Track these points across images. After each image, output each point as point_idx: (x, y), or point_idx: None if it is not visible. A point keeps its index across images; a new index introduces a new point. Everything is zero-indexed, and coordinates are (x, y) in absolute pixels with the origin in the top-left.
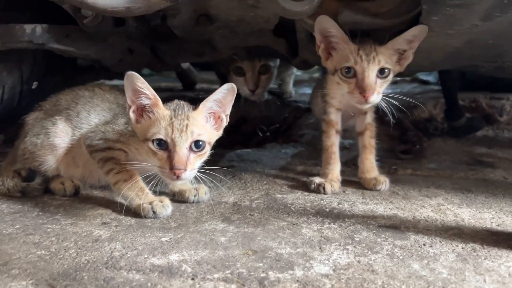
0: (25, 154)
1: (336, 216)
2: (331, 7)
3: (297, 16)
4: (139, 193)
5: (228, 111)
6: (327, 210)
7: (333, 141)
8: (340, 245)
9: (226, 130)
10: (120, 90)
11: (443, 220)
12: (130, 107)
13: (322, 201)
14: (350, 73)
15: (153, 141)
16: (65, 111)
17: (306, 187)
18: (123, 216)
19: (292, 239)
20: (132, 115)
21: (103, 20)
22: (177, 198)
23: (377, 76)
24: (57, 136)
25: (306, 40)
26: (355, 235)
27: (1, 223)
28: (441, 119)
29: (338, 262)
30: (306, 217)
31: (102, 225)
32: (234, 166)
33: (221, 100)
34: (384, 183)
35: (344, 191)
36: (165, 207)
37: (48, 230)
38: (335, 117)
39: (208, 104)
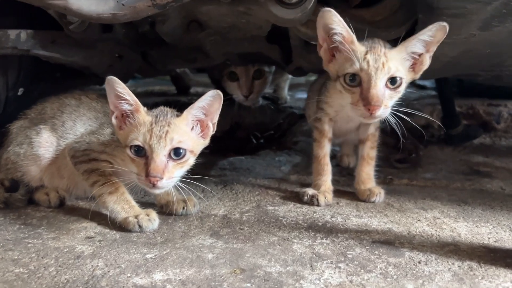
0: (7, 164)
1: (329, 230)
2: None
3: (289, 24)
4: (124, 206)
5: (215, 119)
6: (320, 224)
7: (326, 152)
8: (332, 263)
9: (219, 136)
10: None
11: (439, 235)
12: (112, 113)
13: (315, 214)
14: (354, 81)
15: (131, 147)
16: (50, 120)
17: (299, 199)
18: (108, 230)
19: (282, 256)
20: (114, 121)
21: (90, 26)
22: (165, 210)
23: (386, 86)
24: (41, 146)
25: (300, 47)
26: (348, 252)
27: None
28: (437, 126)
29: (330, 282)
30: (298, 232)
31: (85, 239)
32: (226, 175)
33: (206, 108)
34: (379, 194)
35: (337, 203)
36: (151, 220)
37: (29, 245)
38: (329, 126)
39: (193, 111)
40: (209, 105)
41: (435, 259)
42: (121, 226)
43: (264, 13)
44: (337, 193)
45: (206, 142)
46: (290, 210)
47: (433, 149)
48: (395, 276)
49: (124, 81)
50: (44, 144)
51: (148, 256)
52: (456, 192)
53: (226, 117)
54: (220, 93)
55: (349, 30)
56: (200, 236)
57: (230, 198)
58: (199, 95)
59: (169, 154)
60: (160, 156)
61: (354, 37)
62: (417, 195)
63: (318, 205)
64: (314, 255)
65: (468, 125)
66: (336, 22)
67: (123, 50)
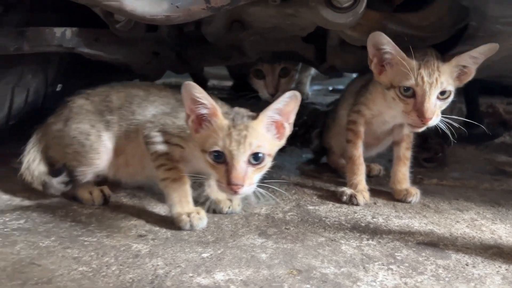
0: (68, 151)
1: (373, 231)
2: (373, 18)
3: (339, 28)
4: (182, 199)
5: (292, 119)
6: (363, 224)
7: (360, 152)
8: (383, 265)
9: None
10: (171, 88)
11: (480, 237)
12: (188, 116)
13: (355, 215)
14: (408, 92)
15: (210, 153)
16: (117, 110)
17: (336, 198)
18: (158, 228)
19: (333, 257)
20: (190, 124)
21: (136, 26)
22: (211, 206)
23: (438, 98)
24: (111, 140)
25: (338, 47)
26: (395, 253)
27: (35, 235)
28: (457, 124)
29: (385, 284)
30: (343, 232)
31: (138, 237)
32: None
33: (282, 109)
34: (415, 195)
35: (375, 203)
36: (202, 219)
37: (85, 243)
38: (363, 128)
39: (268, 113)
40: (285, 106)
41: (482, 261)
42: (173, 221)
43: (313, 16)
44: (371, 192)
45: (282, 143)
46: (330, 210)
47: (456, 148)
48: (446, 279)
49: (158, 77)
50: (111, 138)
51: (204, 255)
52: (487, 192)
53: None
54: (298, 93)
55: (398, 49)
56: (249, 235)
57: (269, 196)
58: (217, 89)
59: (248, 159)
60: (241, 163)
61: (403, 54)
62: (449, 195)
63: (357, 204)
64: (364, 257)
65: (490, 125)
66: (385, 43)
67: (160, 47)
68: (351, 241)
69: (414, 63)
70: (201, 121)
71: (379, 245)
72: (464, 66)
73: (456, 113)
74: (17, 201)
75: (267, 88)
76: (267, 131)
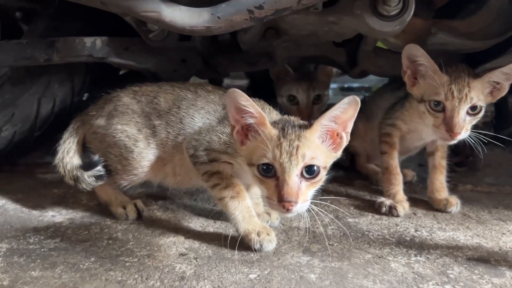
0: (112, 152)
1: (419, 246)
2: (418, 25)
3: (383, 36)
4: (245, 215)
5: (349, 128)
6: (407, 238)
7: (397, 162)
8: (438, 284)
9: None
10: (218, 90)
11: None
12: (234, 127)
13: (398, 227)
14: (438, 106)
15: (258, 166)
16: (165, 115)
17: (373, 208)
18: (197, 245)
19: (385, 277)
20: (236, 136)
21: (169, 35)
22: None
23: (468, 113)
24: (157, 148)
25: (373, 53)
26: (447, 271)
27: (74, 255)
28: (481, 124)
29: None
30: (389, 248)
31: (180, 257)
32: None
33: (340, 116)
34: (456, 205)
35: (414, 213)
36: (272, 241)
37: (127, 264)
38: (398, 139)
39: (324, 121)
40: (343, 112)
41: None
42: (241, 238)
43: (357, 24)
44: (409, 201)
45: (338, 154)
46: (371, 223)
47: (484, 150)
48: None
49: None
50: (159, 145)
51: (252, 276)
52: None
53: None
54: (358, 99)
55: (432, 61)
56: (292, 252)
57: None
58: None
59: (301, 172)
60: (293, 177)
61: (436, 67)
62: (487, 203)
63: (397, 215)
64: (416, 275)
65: None
66: (420, 55)
67: (188, 55)
68: (399, 257)
69: (445, 78)
70: (247, 132)
71: (429, 262)
72: (497, 82)
73: (485, 116)
74: (48, 216)
75: (300, 115)
76: (322, 142)
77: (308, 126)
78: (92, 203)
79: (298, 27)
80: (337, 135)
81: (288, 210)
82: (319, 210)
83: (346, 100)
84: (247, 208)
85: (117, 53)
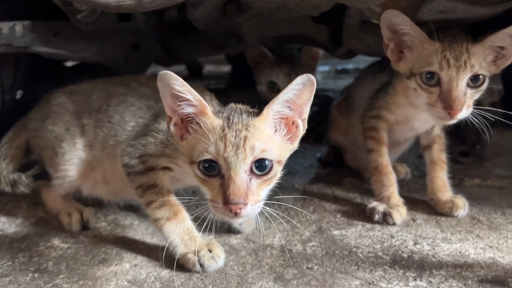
0: (45, 155)
1: (420, 265)
2: None
3: (366, 4)
4: (184, 238)
5: (306, 114)
6: (405, 255)
7: (387, 159)
8: None
9: None
10: (153, 80)
11: None
12: (170, 119)
13: (393, 240)
14: (432, 80)
15: (199, 163)
16: (95, 114)
17: (365, 215)
18: (144, 275)
19: None
20: (173, 129)
21: (103, 15)
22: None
23: (468, 85)
24: (84, 149)
25: (358, 28)
26: None
27: None
28: (488, 104)
29: None
30: (382, 270)
31: None
32: None
33: (294, 100)
34: (463, 207)
35: (413, 219)
36: (215, 258)
37: None
38: (386, 133)
39: (275, 107)
40: (297, 96)
41: None
42: (180, 264)
43: None
44: (406, 203)
45: (294, 146)
46: (361, 235)
47: (492, 134)
48: None
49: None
50: (86, 147)
51: None
52: None
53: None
54: (313, 78)
55: (418, 28)
56: (261, 281)
57: (281, 217)
58: (214, 77)
59: (251, 168)
60: (240, 173)
61: (424, 35)
62: (500, 201)
63: (393, 224)
64: None
65: None
66: (402, 23)
67: (140, 40)
68: (394, 282)
69: (437, 44)
70: (187, 124)
71: (431, 287)
72: (502, 48)
73: (486, 91)
74: None
75: None
76: (275, 131)
77: (257, 113)
78: (29, 221)
79: None
80: (293, 123)
81: (236, 215)
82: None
83: (299, 80)
84: (187, 230)
85: (44, 41)
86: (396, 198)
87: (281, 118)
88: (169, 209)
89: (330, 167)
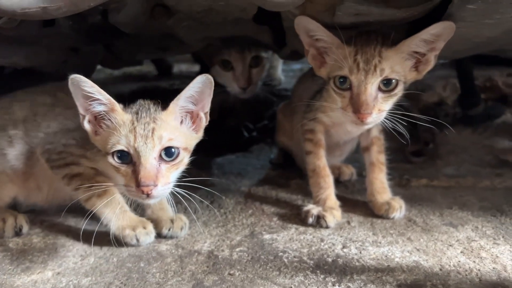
0: None
1: (342, 270)
2: None
3: (280, 8)
4: (117, 212)
5: (207, 108)
6: (330, 260)
7: (325, 162)
8: None
9: (205, 128)
10: None
11: (479, 270)
12: (83, 117)
13: (322, 244)
14: (345, 84)
15: (112, 154)
16: (22, 124)
17: (300, 218)
18: (63, 284)
19: None
20: (87, 126)
21: (24, 21)
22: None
23: (379, 89)
24: (17, 159)
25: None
26: None
27: None
28: (451, 102)
29: None
30: (303, 275)
31: None
32: (214, 184)
33: (195, 96)
34: (399, 209)
35: (348, 222)
36: (149, 234)
37: None
38: (323, 135)
39: (180, 102)
40: (198, 92)
41: None
42: (116, 237)
43: None
44: (347, 206)
45: (199, 135)
46: (291, 239)
47: (449, 132)
48: None
49: (86, 76)
50: (19, 156)
51: None
52: (487, 194)
53: (214, 104)
54: (210, 77)
55: (329, 33)
56: None
57: (218, 221)
58: (183, 77)
59: (160, 155)
60: (150, 160)
61: (336, 39)
62: (442, 202)
63: (326, 227)
64: None
65: (489, 105)
66: (314, 29)
67: (78, 42)
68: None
69: (350, 48)
70: (99, 121)
71: None
72: (417, 52)
73: (449, 89)
74: None
75: (237, 81)
76: (181, 123)
77: (164, 107)
78: None
79: (186, 2)
80: (197, 116)
81: (148, 196)
82: (186, 193)
83: (199, 79)
84: (118, 203)
85: None
86: (332, 201)
87: (187, 112)
88: (98, 187)
89: (282, 169)
